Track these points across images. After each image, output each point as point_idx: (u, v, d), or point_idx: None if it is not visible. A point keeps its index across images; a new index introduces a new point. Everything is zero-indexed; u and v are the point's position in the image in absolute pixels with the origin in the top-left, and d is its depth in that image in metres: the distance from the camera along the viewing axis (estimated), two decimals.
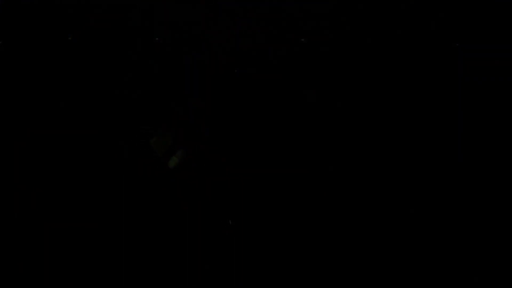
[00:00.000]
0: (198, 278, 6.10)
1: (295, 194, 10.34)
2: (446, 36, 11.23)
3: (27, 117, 11.11)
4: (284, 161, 11.90)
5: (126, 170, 11.49)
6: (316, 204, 10.92)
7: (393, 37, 11.29)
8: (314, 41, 11.29)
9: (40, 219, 10.19)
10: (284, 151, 11.82)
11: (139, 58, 11.39)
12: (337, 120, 11.66)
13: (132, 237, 9.36)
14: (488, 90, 11.41)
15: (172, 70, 11.48)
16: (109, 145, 11.51)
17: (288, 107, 11.73)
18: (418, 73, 11.74)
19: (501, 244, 10.38)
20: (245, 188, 11.09)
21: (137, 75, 11.42)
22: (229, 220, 6.89)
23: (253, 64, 11.60)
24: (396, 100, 11.79)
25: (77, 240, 7.34)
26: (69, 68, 11.31)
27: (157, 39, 11.21)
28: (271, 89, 11.75)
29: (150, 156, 10.61)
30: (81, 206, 11.28)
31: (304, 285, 5.64)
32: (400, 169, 10.25)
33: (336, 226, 10.49)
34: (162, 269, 7.48)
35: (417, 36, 11.22)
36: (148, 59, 11.35)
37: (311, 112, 11.78)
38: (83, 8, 10.92)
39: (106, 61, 11.32)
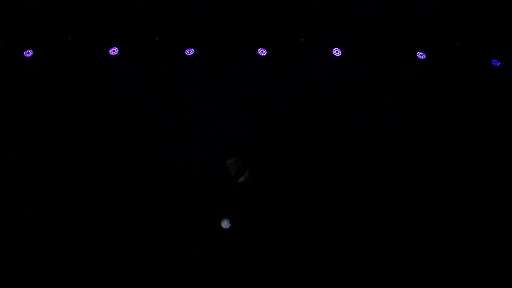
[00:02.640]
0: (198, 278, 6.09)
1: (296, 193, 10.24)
2: (446, 36, 11.20)
3: (27, 117, 11.09)
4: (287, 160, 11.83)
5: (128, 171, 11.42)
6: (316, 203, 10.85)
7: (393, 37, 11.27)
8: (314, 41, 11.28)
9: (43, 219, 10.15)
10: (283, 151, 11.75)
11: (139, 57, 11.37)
12: (337, 120, 11.62)
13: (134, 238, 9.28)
14: (488, 90, 11.40)
15: (171, 70, 11.45)
16: (109, 145, 11.47)
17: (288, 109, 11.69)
18: (418, 73, 11.67)
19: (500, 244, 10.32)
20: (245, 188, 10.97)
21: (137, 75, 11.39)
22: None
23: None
24: (396, 100, 11.73)
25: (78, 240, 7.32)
26: (69, 68, 11.29)
27: (156, 39, 11.19)
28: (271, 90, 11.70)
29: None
30: (82, 207, 11.21)
31: (305, 285, 5.63)
32: (398, 169, 10.21)
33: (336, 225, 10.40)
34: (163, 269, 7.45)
35: (417, 36, 11.21)
36: (148, 58, 11.33)
37: (310, 112, 11.72)
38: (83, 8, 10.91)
39: (105, 61, 11.29)
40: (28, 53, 11.03)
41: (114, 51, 11.17)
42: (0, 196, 10.52)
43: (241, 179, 8.15)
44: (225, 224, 10.88)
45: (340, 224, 10.48)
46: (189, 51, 11.37)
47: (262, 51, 11.39)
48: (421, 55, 11.35)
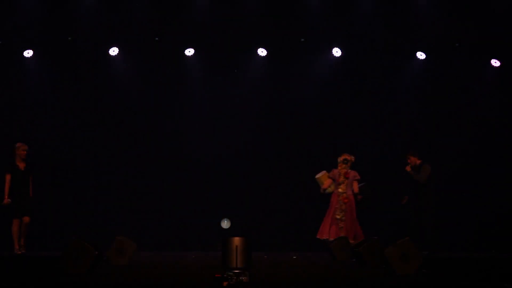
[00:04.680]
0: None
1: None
2: (446, 36, 11.19)
3: (27, 116, 11.06)
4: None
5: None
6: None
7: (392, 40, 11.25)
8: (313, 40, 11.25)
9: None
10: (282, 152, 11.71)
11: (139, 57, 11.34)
12: (337, 120, 11.57)
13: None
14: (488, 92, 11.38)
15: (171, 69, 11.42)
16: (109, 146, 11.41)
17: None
18: (418, 73, 11.64)
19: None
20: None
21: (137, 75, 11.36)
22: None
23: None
24: (395, 99, 11.70)
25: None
26: (69, 68, 11.26)
27: (156, 39, 11.17)
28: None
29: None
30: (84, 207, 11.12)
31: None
32: (398, 169, 10.19)
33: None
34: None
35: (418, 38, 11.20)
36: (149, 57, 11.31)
37: (310, 112, 11.68)
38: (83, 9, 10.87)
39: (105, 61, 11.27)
40: (28, 53, 11.00)
41: (114, 51, 11.15)
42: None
43: (328, 189, 9.41)
44: (225, 224, 10.90)
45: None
46: (189, 51, 11.35)
47: (262, 51, 11.38)
48: (421, 55, 11.34)
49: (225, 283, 4.54)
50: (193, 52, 11.31)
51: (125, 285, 4.82)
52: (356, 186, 9.12)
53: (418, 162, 9.34)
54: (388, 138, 11.29)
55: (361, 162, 11.06)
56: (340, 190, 9.15)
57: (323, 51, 11.42)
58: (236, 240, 4.91)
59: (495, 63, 11.30)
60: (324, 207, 10.26)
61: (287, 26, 11.19)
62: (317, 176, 9.38)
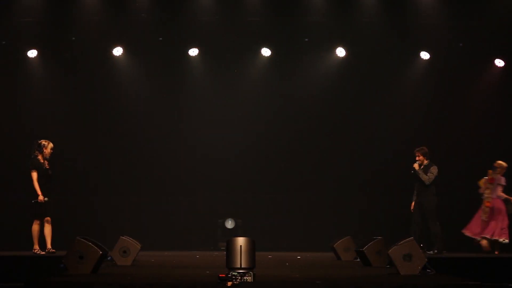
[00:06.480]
0: None
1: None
2: (450, 36, 11.17)
3: (29, 116, 11.07)
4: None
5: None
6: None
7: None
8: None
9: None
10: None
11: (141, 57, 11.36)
12: (340, 120, 11.57)
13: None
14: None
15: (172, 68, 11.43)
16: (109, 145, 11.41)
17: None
18: (422, 73, 11.62)
19: None
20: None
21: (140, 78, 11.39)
22: None
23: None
24: (399, 99, 11.68)
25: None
26: (73, 68, 11.29)
27: (160, 39, 11.18)
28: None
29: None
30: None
31: None
32: (401, 169, 10.19)
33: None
34: None
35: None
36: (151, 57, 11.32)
37: (313, 112, 11.67)
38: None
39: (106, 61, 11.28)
40: (32, 53, 11.03)
41: (118, 51, 11.17)
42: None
43: (485, 193, 9.74)
44: (230, 224, 10.93)
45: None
46: (193, 51, 11.36)
47: (266, 51, 11.38)
48: (425, 55, 11.34)
49: (229, 283, 4.54)
50: (197, 52, 11.35)
51: (129, 285, 4.82)
52: (499, 191, 9.66)
53: (426, 162, 9.31)
54: (392, 137, 11.30)
55: (364, 162, 11.10)
56: (485, 194, 9.73)
57: (327, 51, 11.44)
58: (240, 240, 4.91)
59: (499, 63, 11.30)
60: (326, 207, 10.28)
61: (291, 26, 11.21)
62: (480, 181, 9.93)
